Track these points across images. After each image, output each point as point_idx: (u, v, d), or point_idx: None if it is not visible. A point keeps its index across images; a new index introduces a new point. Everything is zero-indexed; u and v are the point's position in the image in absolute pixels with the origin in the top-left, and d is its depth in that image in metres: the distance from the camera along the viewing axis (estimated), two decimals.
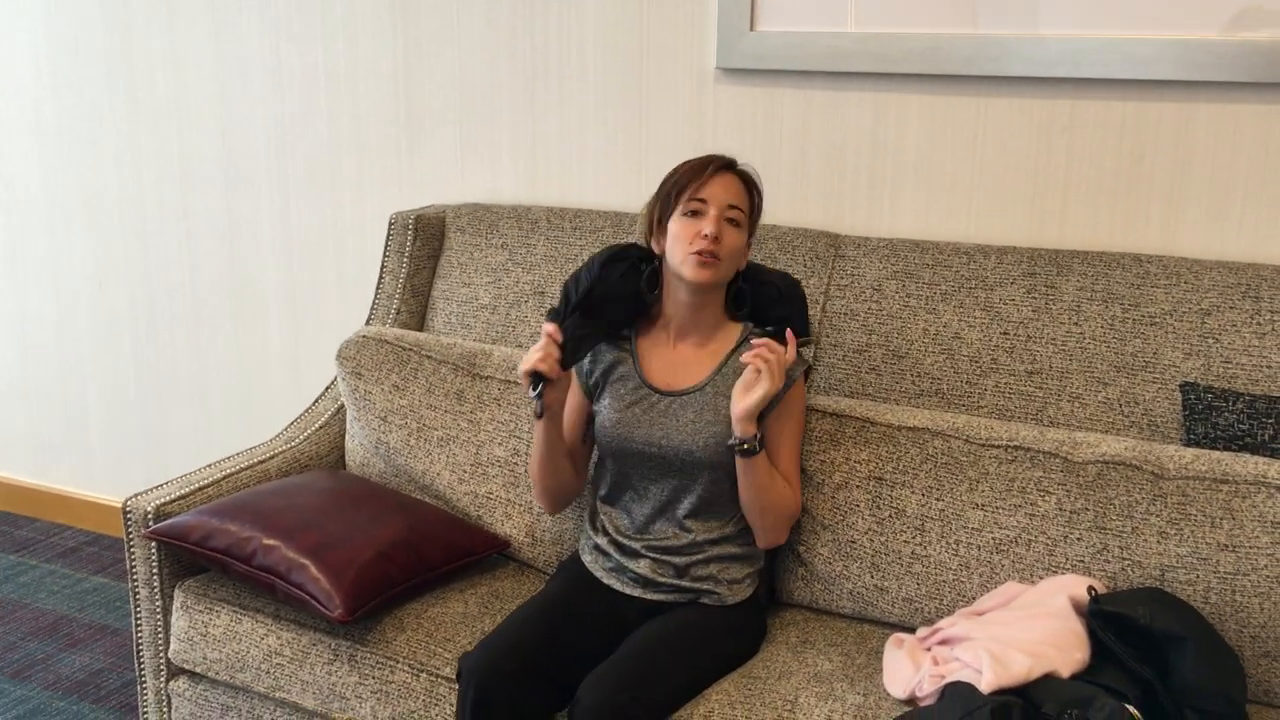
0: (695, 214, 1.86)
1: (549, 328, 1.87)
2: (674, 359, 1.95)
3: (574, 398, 2.01)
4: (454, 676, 1.78)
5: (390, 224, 2.63)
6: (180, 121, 3.10)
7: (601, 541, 1.97)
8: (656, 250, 1.94)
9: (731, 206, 1.87)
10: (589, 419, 2.02)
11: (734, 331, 1.96)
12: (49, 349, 3.47)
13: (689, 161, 1.92)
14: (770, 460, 1.91)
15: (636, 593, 1.91)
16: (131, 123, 3.16)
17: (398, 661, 1.92)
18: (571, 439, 2.02)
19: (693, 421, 1.89)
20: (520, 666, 1.73)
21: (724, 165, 1.90)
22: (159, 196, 3.18)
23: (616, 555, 1.94)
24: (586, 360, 1.99)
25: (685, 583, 1.90)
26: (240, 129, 3.02)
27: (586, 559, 1.99)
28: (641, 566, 1.91)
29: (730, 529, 1.93)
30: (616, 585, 1.93)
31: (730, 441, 1.84)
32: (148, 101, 3.12)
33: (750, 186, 1.93)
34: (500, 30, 2.67)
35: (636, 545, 1.92)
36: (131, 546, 2.17)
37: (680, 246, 1.86)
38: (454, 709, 1.85)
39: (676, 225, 1.87)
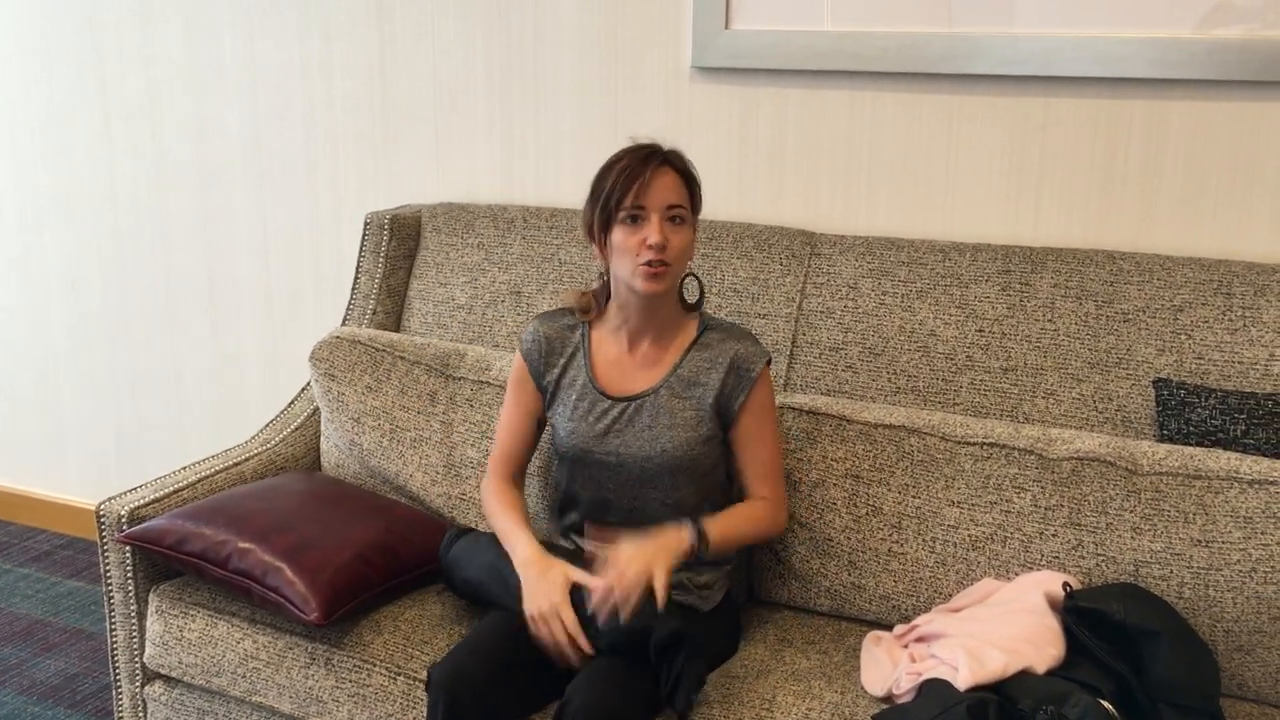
0: (636, 220, 1.79)
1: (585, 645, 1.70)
2: (628, 362, 1.90)
3: (526, 406, 1.96)
4: (425, 685, 1.76)
5: (366, 224, 2.62)
6: (153, 119, 3.07)
7: (567, 547, 1.95)
8: (600, 259, 1.88)
9: (672, 206, 1.79)
10: (540, 423, 1.98)
11: (689, 325, 1.92)
12: (22, 350, 3.44)
13: (620, 161, 1.81)
14: (743, 464, 1.90)
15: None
16: (104, 121, 3.14)
17: (375, 665, 1.92)
18: (525, 456, 2.00)
19: (649, 427, 1.85)
20: (489, 675, 1.71)
21: (659, 162, 1.80)
22: (132, 195, 3.15)
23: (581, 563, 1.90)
24: (541, 359, 1.94)
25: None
26: (214, 127, 3.00)
27: None
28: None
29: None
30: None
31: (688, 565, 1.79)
32: (120, 99, 3.10)
33: (687, 176, 1.84)
34: (476, 28, 2.66)
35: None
36: (106, 551, 2.16)
37: (627, 259, 1.79)
38: None
39: (620, 236, 1.79)
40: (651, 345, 1.90)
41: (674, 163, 1.83)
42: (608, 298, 1.93)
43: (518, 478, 2.01)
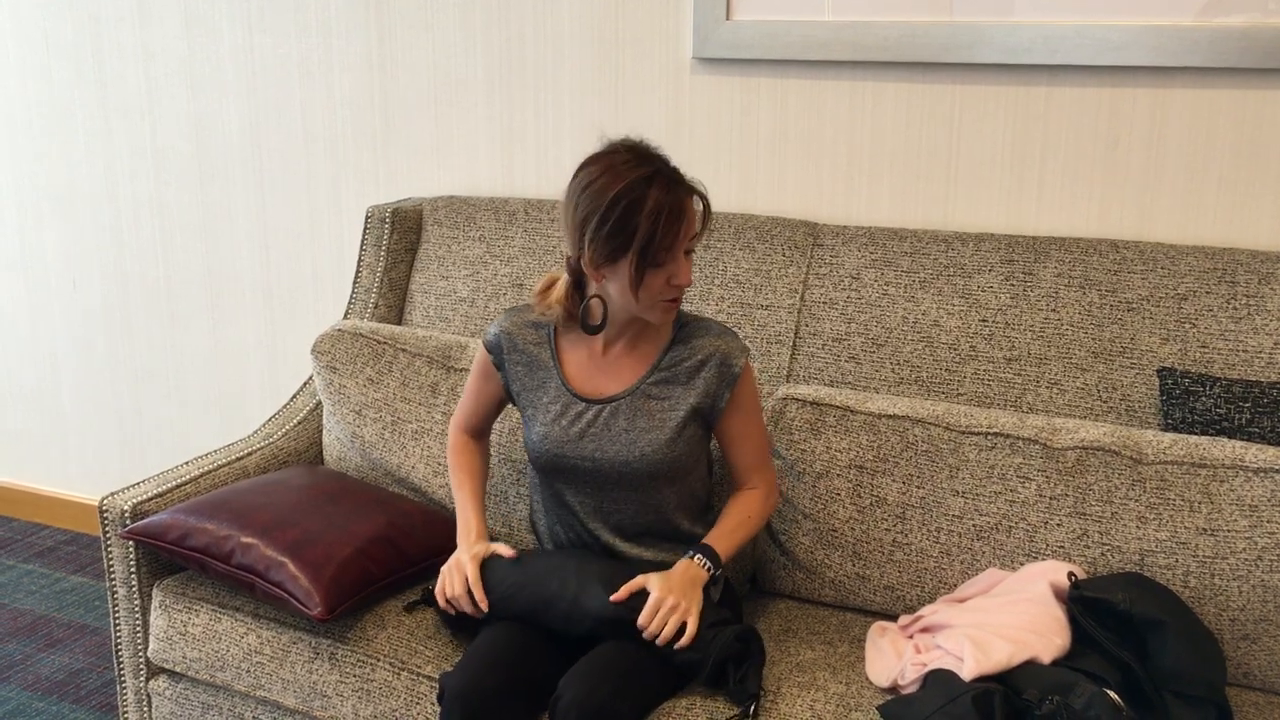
0: (661, 264, 1.70)
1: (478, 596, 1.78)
2: (601, 362, 1.85)
3: (490, 393, 1.96)
4: (437, 697, 1.75)
5: (367, 217, 2.61)
6: (153, 116, 3.07)
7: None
8: (591, 276, 1.76)
9: (692, 238, 1.74)
10: (501, 404, 1.98)
11: (665, 326, 1.85)
12: (23, 347, 3.44)
13: (646, 202, 1.66)
14: (734, 457, 1.88)
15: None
16: (103, 118, 3.13)
17: (378, 659, 1.91)
18: (488, 422, 2.03)
19: (626, 430, 1.80)
20: (499, 683, 1.69)
21: (683, 194, 1.70)
22: (132, 192, 3.15)
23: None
24: (503, 354, 1.90)
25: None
26: (213, 122, 3.00)
27: None
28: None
29: (679, 546, 1.86)
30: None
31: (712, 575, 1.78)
32: (119, 96, 3.09)
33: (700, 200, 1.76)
34: (475, 21, 2.65)
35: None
36: (109, 546, 2.16)
37: (647, 295, 1.73)
38: (434, 707, 1.84)
39: (649, 277, 1.70)
40: (625, 346, 1.85)
41: (687, 188, 1.73)
42: (581, 306, 1.82)
43: (480, 435, 2.05)
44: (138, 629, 2.17)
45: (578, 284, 1.84)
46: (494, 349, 1.93)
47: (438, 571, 2.07)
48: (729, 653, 1.69)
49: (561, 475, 1.86)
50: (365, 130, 2.83)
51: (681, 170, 1.76)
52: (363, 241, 2.61)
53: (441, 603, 1.83)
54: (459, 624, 1.87)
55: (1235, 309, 1.99)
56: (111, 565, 2.17)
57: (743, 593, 2.06)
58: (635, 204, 1.67)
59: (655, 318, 1.78)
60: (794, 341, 2.24)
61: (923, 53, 2.25)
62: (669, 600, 1.68)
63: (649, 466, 1.80)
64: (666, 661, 1.71)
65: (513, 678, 1.71)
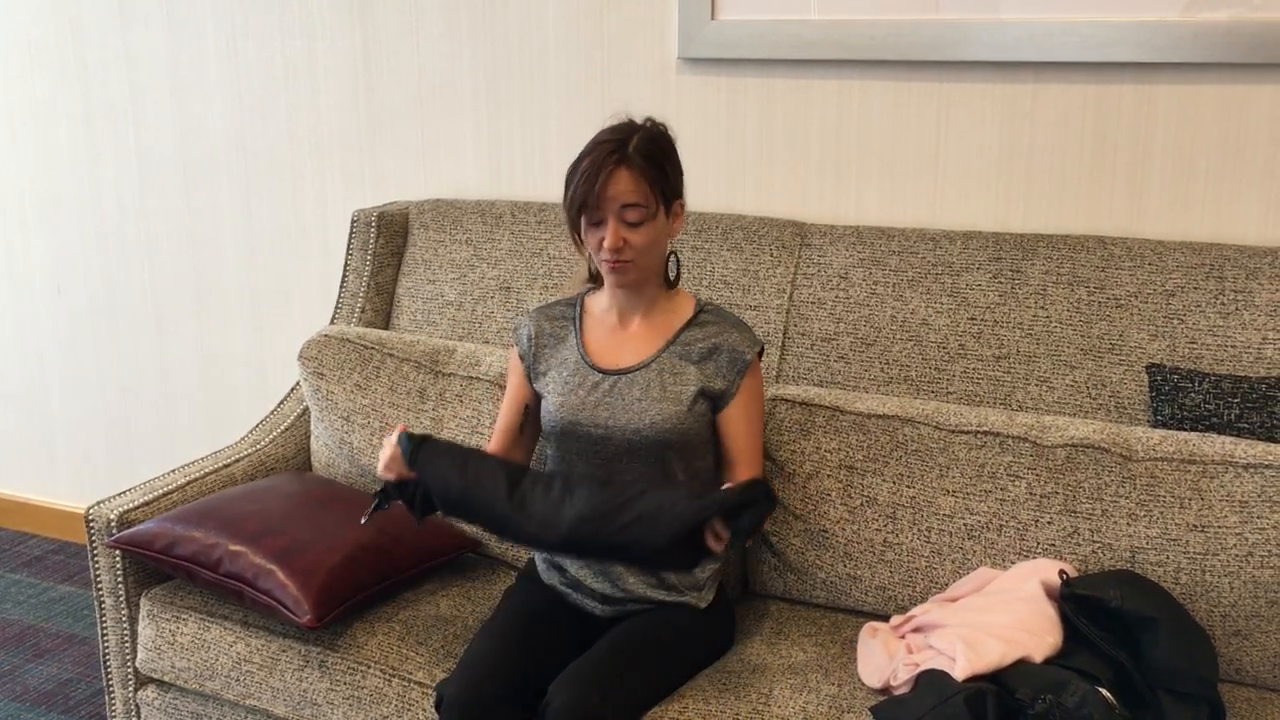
0: (597, 223, 1.80)
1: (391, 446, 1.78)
2: (621, 336, 1.91)
3: (514, 391, 1.97)
4: (434, 705, 1.74)
5: (353, 222, 2.60)
6: (136, 121, 3.05)
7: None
8: (581, 250, 1.91)
9: (626, 206, 1.77)
10: (526, 408, 1.97)
11: (684, 304, 1.92)
12: (8, 354, 3.41)
13: (584, 160, 1.80)
14: (731, 449, 1.89)
15: (597, 609, 1.87)
16: (86, 123, 3.11)
17: (369, 666, 1.90)
18: (509, 433, 1.99)
19: (639, 399, 1.84)
20: (497, 689, 1.69)
21: (616, 163, 1.77)
22: (117, 197, 3.13)
23: (572, 570, 1.88)
24: (531, 340, 1.94)
25: (644, 591, 1.86)
26: (198, 128, 2.98)
27: (541, 568, 1.94)
28: (598, 583, 1.86)
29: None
30: (575, 599, 1.88)
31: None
32: (102, 101, 3.07)
33: (650, 169, 1.79)
34: (461, 23, 2.64)
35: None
36: (95, 555, 2.14)
37: (595, 255, 1.85)
38: (426, 714, 1.83)
39: (586, 234, 1.83)
40: (643, 322, 1.90)
41: (634, 159, 1.77)
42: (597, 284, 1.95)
43: (508, 449, 2.00)
44: (126, 638, 2.16)
45: None
46: (521, 341, 1.97)
47: (429, 577, 2.08)
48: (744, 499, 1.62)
49: (575, 442, 1.88)
50: (351, 133, 2.82)
51: (649, 144, 1.80)
52: (349, 245, 2.60)
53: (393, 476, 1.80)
54: (416, 505, 1.81)
55: (1223, 304, 1.99)
56: (99, 574, 2.15)
57: (734, 595, 2.06)
58: (578, 162, 1.82)
59: (608, 280, 1.87)
60: (783, 341, 2.24)
61: (909, 51, 2.25)
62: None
63: (659, 435, 1.82)
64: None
65: (509, 683, 1.71)
